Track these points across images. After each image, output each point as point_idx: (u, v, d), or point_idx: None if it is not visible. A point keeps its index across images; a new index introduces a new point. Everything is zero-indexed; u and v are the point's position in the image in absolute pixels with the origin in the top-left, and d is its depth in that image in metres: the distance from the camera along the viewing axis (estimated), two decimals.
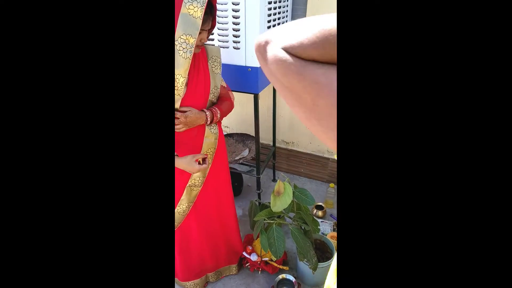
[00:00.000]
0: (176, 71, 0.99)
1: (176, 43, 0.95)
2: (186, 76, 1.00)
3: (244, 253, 1.56)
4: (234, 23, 1.23)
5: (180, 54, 0.97)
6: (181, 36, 0.94)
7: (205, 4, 0.90)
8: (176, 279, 1.48)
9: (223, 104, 1.19)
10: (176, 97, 1.04)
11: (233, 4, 1.19)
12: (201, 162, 1.11)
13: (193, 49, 0.96)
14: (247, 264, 1.57)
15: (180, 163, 1.09)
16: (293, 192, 1.30)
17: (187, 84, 1.06)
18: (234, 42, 1.26)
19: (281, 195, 1.33)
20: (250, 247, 1.59)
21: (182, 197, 1.23)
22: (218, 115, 1.15)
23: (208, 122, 1.13)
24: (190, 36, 0.94)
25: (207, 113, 1.11)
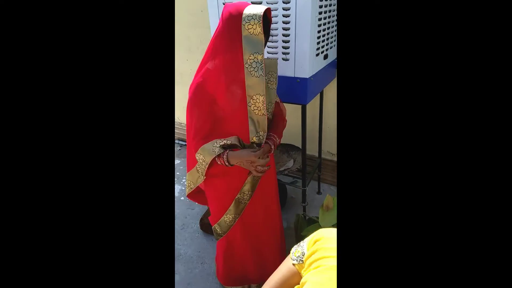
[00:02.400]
0: (253, 92, 1.01)
1: (246, 66, 0.97)
2: (265, 94, 1.01)
3: None
4: (284, 35, 1.23)
5: (253, 75, 0.98)
6: (250, 57, 0.96)
7: (261, 19, 0.91)
8: (220, 282, 1.53)
9: (279, 126, 1.23)
10: (261, 117, 1.05)
11: (283, 16, 1.19)
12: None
13: (263, 65, 0.98)
14: None
15: (237, 156, 1.06)
16: None
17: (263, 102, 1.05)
18: (284, 53, 1.26)
19: (330, 209, 1.28)
20: None
21: (230, 208, 1.24)
22: (277, 141, 1.19)
23: (272, 151, 1.17)
24: (257, 53, 0.96)
25: (272, 146, 1.15)
